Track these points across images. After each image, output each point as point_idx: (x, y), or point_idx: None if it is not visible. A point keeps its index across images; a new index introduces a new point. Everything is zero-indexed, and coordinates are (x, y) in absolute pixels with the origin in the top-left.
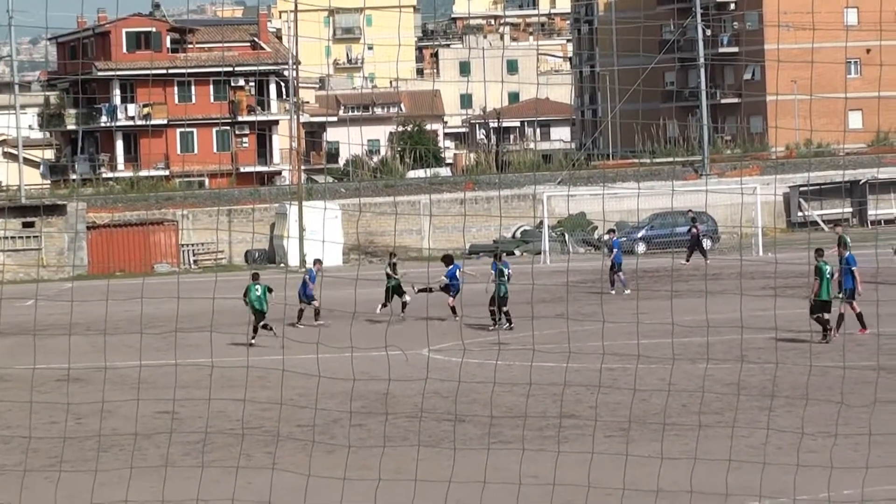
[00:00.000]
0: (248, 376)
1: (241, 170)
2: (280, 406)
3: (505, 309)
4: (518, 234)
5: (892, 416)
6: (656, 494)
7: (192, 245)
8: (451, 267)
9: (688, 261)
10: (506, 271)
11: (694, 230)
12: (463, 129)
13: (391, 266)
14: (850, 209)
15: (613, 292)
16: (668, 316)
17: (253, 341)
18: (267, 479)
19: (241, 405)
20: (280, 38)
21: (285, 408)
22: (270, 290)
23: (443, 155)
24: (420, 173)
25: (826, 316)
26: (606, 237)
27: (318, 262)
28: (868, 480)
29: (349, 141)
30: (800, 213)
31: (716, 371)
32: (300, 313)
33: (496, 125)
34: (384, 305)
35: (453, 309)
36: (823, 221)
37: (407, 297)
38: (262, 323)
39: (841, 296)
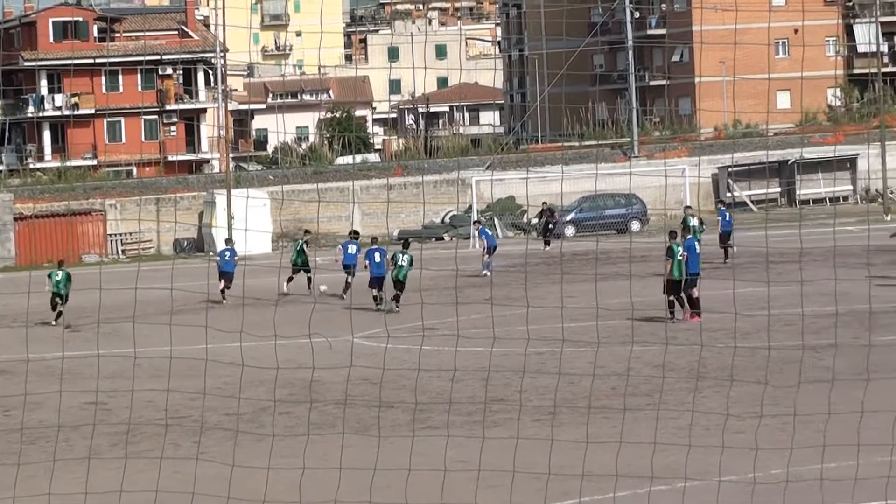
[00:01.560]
0: (171, 366)
1: (170, 158)
2: (203, 395)
3: (396, 293)
4: (447, 220)
5: (818, 396)
6: (581, 478)
7: (121, 235)
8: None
9: (547, 245)
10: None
11: (549, 219)
12: (392, 115)
13: (306, 244)
14: (779, 189)
15: (487, 273)
16: (600, 299)
17: (54, 323)
18: (194, 468)
19: (170, 395)
20: (208, 26)
21: (216, 397)
22: (70, 279)
23: (371, 141)
24: (348, 159)
25: (672, 296)
26: (475, 226)
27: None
28: (794, 460)
29: (277, 128)
30: (728, 194)
31: (644, 353)
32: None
33: (425, 110)
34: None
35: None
36: (752, 202)
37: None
38: (57, 308)
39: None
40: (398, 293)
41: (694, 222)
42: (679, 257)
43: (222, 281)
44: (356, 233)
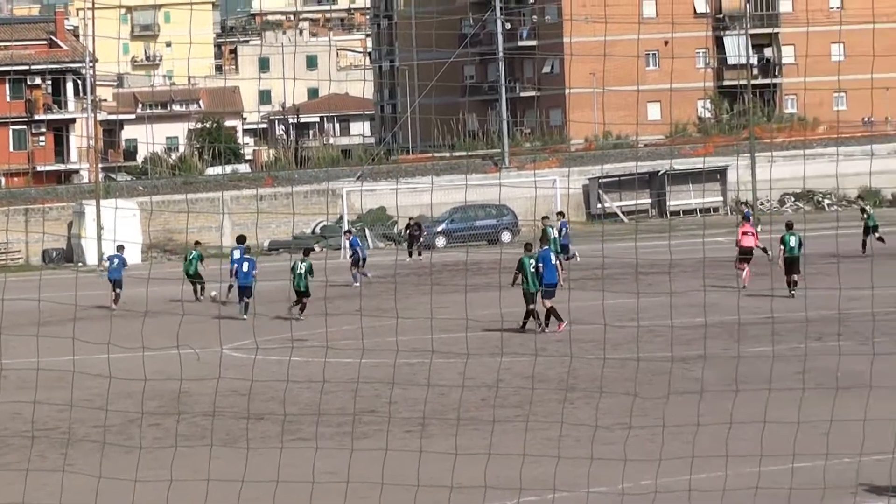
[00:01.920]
0: (38, 377)
1: (38, 169)
2: (71, 407)
3: (302, 301)
4: (318, 230)
5: (687, 407)
6: (451, 490)
7: None
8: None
9: (420, 255)
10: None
11: (414, 232)
12: (262, 126)
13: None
14: (649, 200)
15: (357, 284)
16: (471, 310)
17: None
18: (61, 480)
19: (37, 407)
20: (77, 36)
21: (84, 409)
22: None
23: (242, 151)
24: (219, 170)
25: (532, 306)
26: (346, 235)
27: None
28: (663, 471)
29: (147, 139)
30: (599, 205)
31: (514, 364)
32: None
33: (295, 121)
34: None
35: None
36: (623, 213)
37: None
38: None
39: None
40: (304, 302)
41: (553, 233)
42: (531, 269)
43: (114, 289)
44: (243, 238)
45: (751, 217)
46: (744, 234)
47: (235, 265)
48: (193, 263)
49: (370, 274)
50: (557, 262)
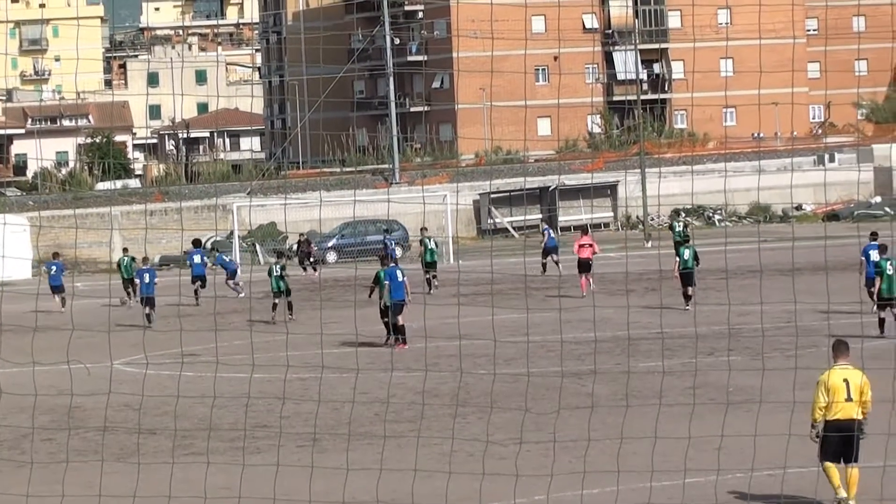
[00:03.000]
0: None
1: None
2: None
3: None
4: (209, 245)
5: (579, 422)
6: None
7: None
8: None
9: (305, 271)
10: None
11: (305, 248)
12: (152, 141)
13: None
14: (540, 216)
15: (243, 294)
16: (362, 325)
17: None
18: None
19: None
20: None
21: None
22: None
23: (132, 166)
24: (109, 185)
25: (385, 319)
26: (219, 254)
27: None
28: (556, 486)
29: (37, 154)
30: (489, 221)
31: (408, 379)
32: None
33: (185, 136)
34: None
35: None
36: (513, 228)
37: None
38: None
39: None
40: (288, 300)
41: (431, 245)
42: (385, 282)
43: (55, 295)
44: (198, 241)
45: (567, 232)
46: (581, 246)
47: (137, 279)
48: (129, 268)
49: (241, 291)
50: (405, 279)
